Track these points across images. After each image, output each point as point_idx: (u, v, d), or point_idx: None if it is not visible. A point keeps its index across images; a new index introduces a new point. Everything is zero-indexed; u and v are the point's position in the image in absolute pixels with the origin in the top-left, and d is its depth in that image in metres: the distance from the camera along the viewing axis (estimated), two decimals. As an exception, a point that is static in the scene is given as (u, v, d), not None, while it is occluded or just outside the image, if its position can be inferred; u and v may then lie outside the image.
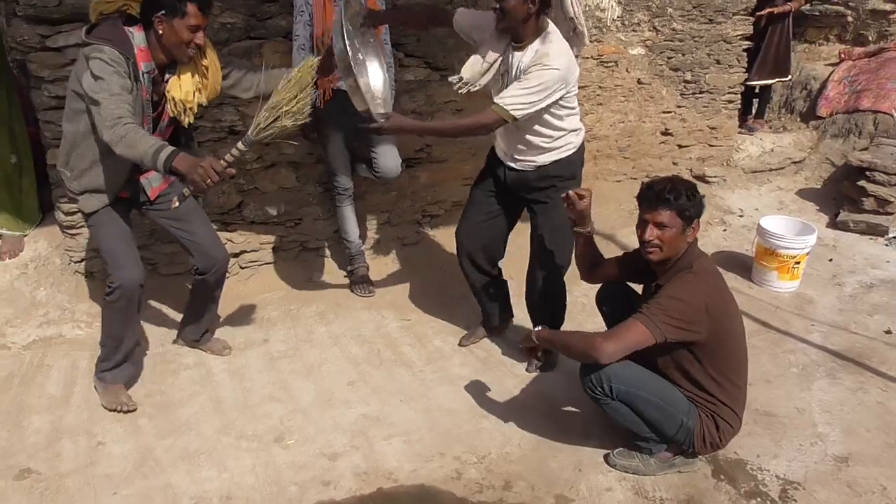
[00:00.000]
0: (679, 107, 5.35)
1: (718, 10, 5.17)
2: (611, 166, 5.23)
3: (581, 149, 3.10)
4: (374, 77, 2.92)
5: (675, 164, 5.51)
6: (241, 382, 3.15)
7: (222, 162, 2.37)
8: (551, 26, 2.78)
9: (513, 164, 3.07)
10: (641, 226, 2.46)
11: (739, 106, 5.69)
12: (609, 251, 4.48)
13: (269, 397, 3.05)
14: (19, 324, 3.42)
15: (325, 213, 4.12)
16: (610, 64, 4.91)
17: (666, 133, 5.39)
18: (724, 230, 4.95)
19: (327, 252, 4.21)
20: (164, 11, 2.50)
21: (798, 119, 6.24)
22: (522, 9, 2.66)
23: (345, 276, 4.07)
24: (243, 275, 4.00)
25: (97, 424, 2.83)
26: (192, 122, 2.80)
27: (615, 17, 4.81)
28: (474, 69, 2.84)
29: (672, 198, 2.37)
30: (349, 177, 3.80)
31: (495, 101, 2.74)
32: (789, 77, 6.01)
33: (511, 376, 3.24)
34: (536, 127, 2.89)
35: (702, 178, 5.44)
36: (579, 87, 4.77)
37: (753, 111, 6.17)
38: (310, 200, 4.08)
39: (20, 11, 3.18)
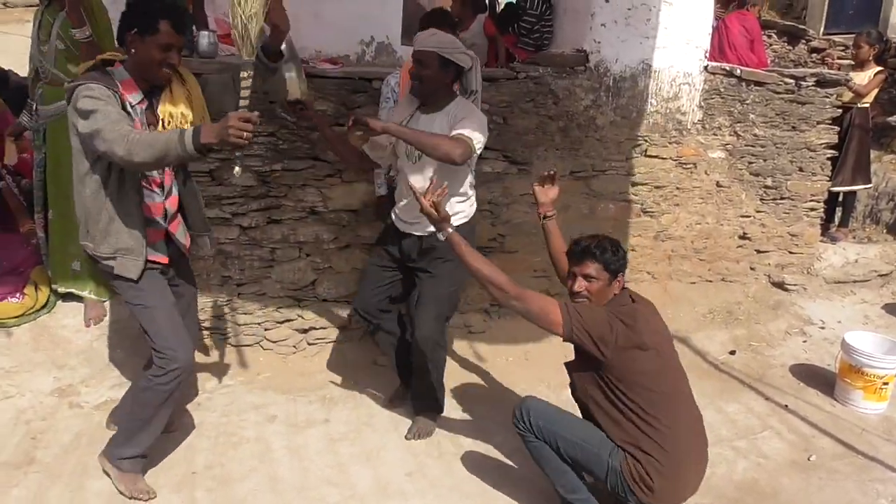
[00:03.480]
0: (759, 211, 5.25)
1: (802, 119, 5.12)
2: (685, 267, 5.13)
3: (474, 221, 3.29)
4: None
5: (752, 268, 5.36)
6: (299, 462, 3.12)
7: (243, 109, 2.30)
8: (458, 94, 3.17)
9: (414, 231, 3.17)
10: (571, 278, 2.67)
11: (822, 214, 5.54)
12: (683, 354, 4.34)
13: (325, 480, 3.00)
14: (94, 384, 3.52)
15: (395, 296, 4.15)
16: (689, 166, 4.89)
17: (744, 237, 5.27)
18: (805, 341, 4.73)
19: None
20: (136, 29, 2.45)
21: (884, 231, 6.03)
22: (439, 77, 3.01)
23: (409, 361, 4.06)
24: (310, 351, 4.04)
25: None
26: None
27: (696, 121, 4.82)
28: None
29: (598, 252, 2.59)
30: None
31: (459, 132, 2.90)
32: (871, 184, 5.85)
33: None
34: (455, 184, 3.05)
35: (780, 286, 5.26)
36: (656, 187, 4.81)
37: (836, 220, 5.99)
38: (381, 282, 4.13)
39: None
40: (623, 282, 2.68)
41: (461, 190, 3.16)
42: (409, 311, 3.46)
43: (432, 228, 2.73)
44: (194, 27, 4.36)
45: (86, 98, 2.37)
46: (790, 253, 5.42)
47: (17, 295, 3.71)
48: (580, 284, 2.62)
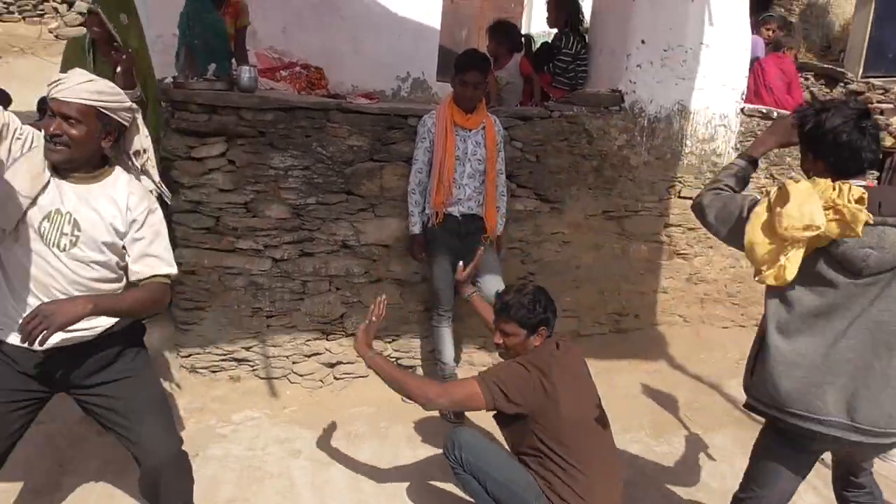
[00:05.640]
0: (795, 256, 5.15)
1: (841, 162, 5.05)
2: (718, 311, 5.05)
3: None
4: None
5: (787, 314, 5.25)
6: (322, 499, 3.09)
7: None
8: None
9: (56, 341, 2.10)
10: (495, 328, 2.75)
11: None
12: (715, 402, 4.28)
13: (348, 519, 2.97)
14: (122, 411, 3.53)
15: (423, 332, 4.13)
16: (723, 208, 4.83)
17: (779, 281, 5.17)
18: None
19: (421, 371, 4.19)
20: None
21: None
22: (94, 141, 2.17)
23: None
24: (336, 385, 4.03)
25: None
26: None
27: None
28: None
29: (512, 311, 2.64)
30: (451, 299, 3.83)
31: (149, 255, 2.26)
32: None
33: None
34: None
35: (817, 332, 5.14)
36: (690, 229, 4.75)
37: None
38: (409, 318, 4.12)
39: (174, 125, 3.50)
40: (546, 333, 2.68)
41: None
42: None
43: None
44: (234, 62, 4.48)
45: None
46: (827, 298, 5.30)
47: None
48: (498, 338, 2.72)
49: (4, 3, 11.93)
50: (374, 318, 2.74)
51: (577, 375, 2.68)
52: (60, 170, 2.16)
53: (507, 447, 2.76)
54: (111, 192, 2.21)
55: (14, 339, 2.12)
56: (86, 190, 2.18)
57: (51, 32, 11.85)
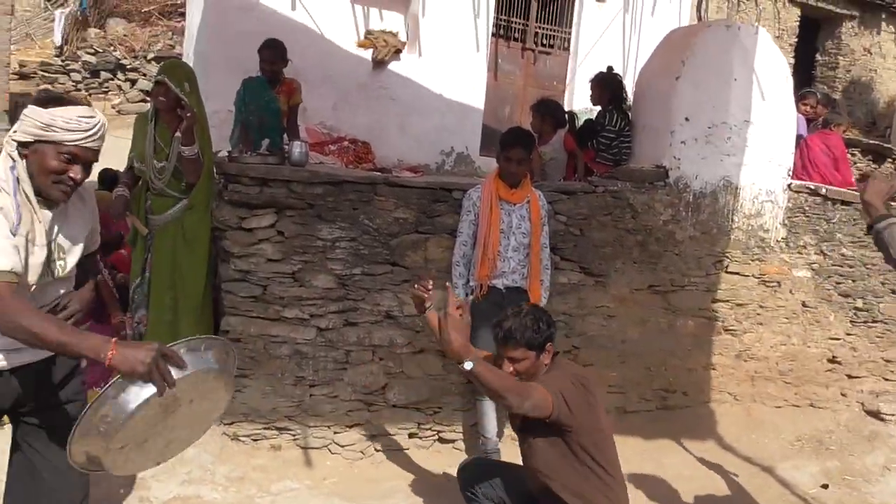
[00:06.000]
0: (849, 334, 5.01)
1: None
2: (770, 390, 4.89)
3: None
4: None
5: (843, 394, 5.06)
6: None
7: None
8: None
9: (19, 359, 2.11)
10: (500, 360, 2.67)
11: (919, 339, 5.23)
12: (768, 485, 4.10)
13: None
14: (164, 479, 3.53)
15: (466, 405, 4.08)
16: (772, 284, 4.75)
17: (833, 360, 5.02)
18: (906, 479, 4.37)
19: (463, 445, 4.12)
20: None
21: None
22: None
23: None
24: (377, 458, 3.97)
25: None
26: None
27: (779, 238, 4.72)
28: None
29: (518, 335, 2.59)
30: (494, 372, 3.79)
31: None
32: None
33: None
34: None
35: (876, 415, 4.93)
36: (738, 305, 4.67)
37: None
38: (452, 390, 4.08)
39: (227, 196, 3.63)
40: (552, 350, 2.72)
41: None
42: None
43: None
44: (286, 136, 4.66)
45: None
46: (885, 380, 5.12)
47: (102, 384, 3.83)
48: (508, 367, 2.64)
49: (73, 81, 12.69)
50: (453, 310, 2.38)
51: (589, 382, 2.73)
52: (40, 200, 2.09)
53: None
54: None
55: None
56: (60, 211, 2.16)
57: (114, 108, 12.51)
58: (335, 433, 3.92)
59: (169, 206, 3.82)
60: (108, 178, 5.33)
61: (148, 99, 10.61)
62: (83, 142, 2.04)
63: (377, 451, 3.98)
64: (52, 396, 2.24)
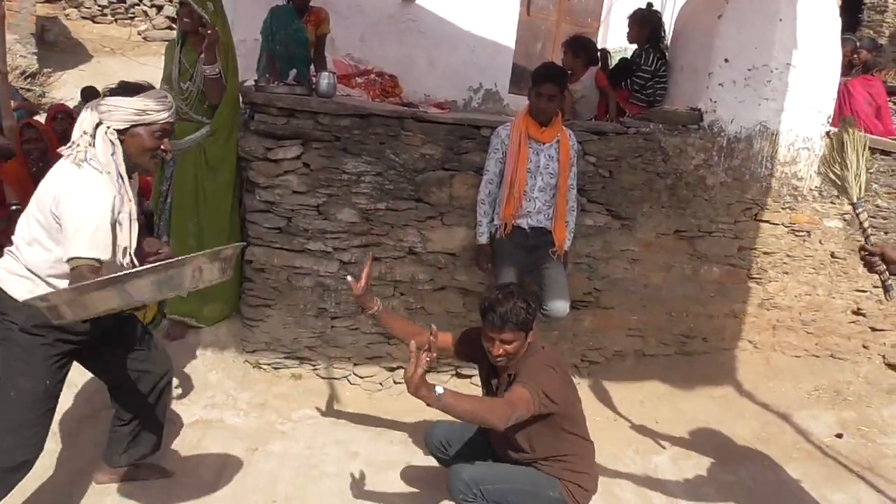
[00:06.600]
0: (876, 287, 4.91)
1: (931, 192, 4.82)
2: (791, 339, 4.86)
3: None
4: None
5: (865, 346, 5.02)
6: (378, 502, 3.10)
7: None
8: None
9: None
10: (489, 342, 2.67)
11: (949, 295, 5.14)
12: (783, 433, 4.12)
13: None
14: (188, 403, 3.63)
15: (485, 343, 4.11)
16: (802, 233, 4.66)
17: (858, 313, 4.96)
18: (925, 433, 4.36)
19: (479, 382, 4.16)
20: None
21: None
22: None
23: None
24: (395, 390, 4.04)
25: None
26: None
27: (812, 187, 4.60)
28: None
29: (514, 319, 2.60)
30: (515, 311, 3.79)
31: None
32: None
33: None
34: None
35: (897, 369, 4.90)
36: (765, 253, 4.60)
37: (964, 303, 5.54)
38: (471, 327, 4.10)
39: (253, 126, 3.60)
40: (538, 329, 2.82)
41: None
42: None
43: None
44: (313, 67, 4.58)
45: None
46: (910, 334, 5.05)
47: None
48: (499, 349, 2.64)
49: (99, 5, 12.54)
50: (426, 361, 2.29)
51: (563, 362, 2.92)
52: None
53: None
54: None
55: None
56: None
57: (139, 35, 12.39)
58: (355, 365, 3.99)
59: (191, 131, 3.79)
60: (90, 96, 5.41)
61: (174, 26, 10.50)
62: (169, 118, 2.40)
63: (395, 383, 4.05)
64: (124, 325, 2.70)
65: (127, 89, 2.39)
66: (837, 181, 2.86)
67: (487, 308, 2.64)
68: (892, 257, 2.60)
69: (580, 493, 2.77)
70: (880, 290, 2.52)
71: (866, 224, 2.73)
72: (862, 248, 2.68)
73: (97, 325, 2.42)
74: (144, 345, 2.78)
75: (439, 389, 2.34)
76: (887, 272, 2.60)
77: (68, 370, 2.56)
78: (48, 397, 2.48)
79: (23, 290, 2.32)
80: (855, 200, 2.80)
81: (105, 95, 2.41)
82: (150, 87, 2.47)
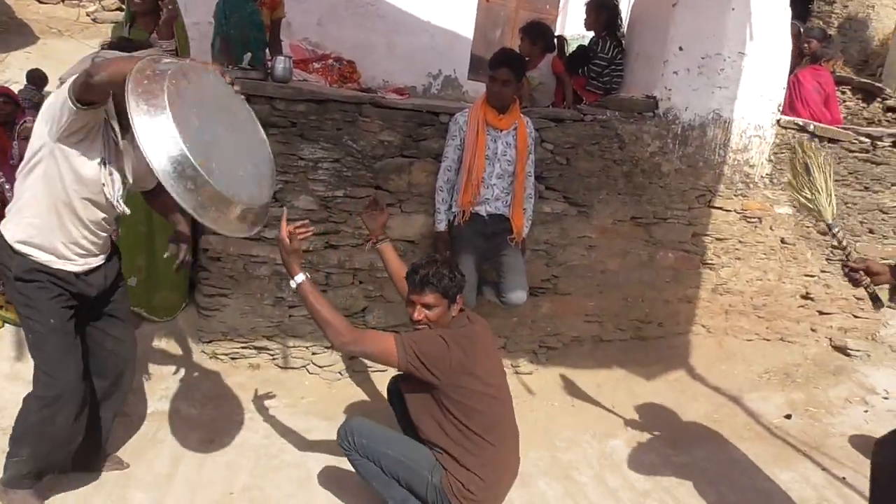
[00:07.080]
0: (823, 271, 5.08)
1: (876, 179, 4.97)
2: (742, 323, 4.98)
3: None
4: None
5: (813, 329, 5.18)
6: (337, 491, 3.09)
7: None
8: None
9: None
10: (410, 306, 2.69)
11: (892, 279, 5.32)
12: (735, 414, 4.23)
13: (363, 513, 2.97)
14: (143, 394, 3.56)
15: (444, 330, 4.12)
16: (753, 220, 4.77)
17: (806, 297, 5.10)
18: (866, 411, 4.51)
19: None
20: None
21: (957, 301, 5.74)
22: None
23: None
24: (355, 378, 4.03)
25: (194, 510, 2.83)
26: None
27: (764, 174, 4.71)
28: None
29: (435, 281, 2.61)
30: (475, 298, 3.81)
31: None
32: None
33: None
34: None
35: (843, 351, 5.06)
36: (718, 239, 4.69)
37: (906, 286, 5.75)
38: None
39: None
40: (461, 303, 2.75)
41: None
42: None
43: None
44: (268, 52, 4.50)
45: None
46: (855, 317, 5.23)
47: None
48: (420, 314, 2.66)
49: (46, -16, 12.08)
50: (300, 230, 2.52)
51: (490, 348, 2.78)
52: None
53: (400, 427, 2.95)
54: None
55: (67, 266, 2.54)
56: None
57: (88, 16, 11.98)
58: (314, 354, 3.96)
59: None
60: (36, 78, 5.29)
61: (123, 7, 10.17)
62: None
63: (355, 371, 4.03)
64: (113, 290, 2.78)
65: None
66: (809, 205, 2.85)
67: (410, 271, 2.70)
68: (876, 269, 2.63)
69: (463, 494, 2.61)
70: (828, 274, 2.59)
71: (845, 242, 2.76)
72: (844, 265, 2.70)
73: (92, 286, 2.64)
74: (124, 326, 2.87)
75: (300, 277, 2.49)
76: (873, 285, 2.63)
77: (74, 320, 2.62)
78: (62, 335, 2.56)
79: (11, 231, 2.48)
80: (830, 221, 2.80)
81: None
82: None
